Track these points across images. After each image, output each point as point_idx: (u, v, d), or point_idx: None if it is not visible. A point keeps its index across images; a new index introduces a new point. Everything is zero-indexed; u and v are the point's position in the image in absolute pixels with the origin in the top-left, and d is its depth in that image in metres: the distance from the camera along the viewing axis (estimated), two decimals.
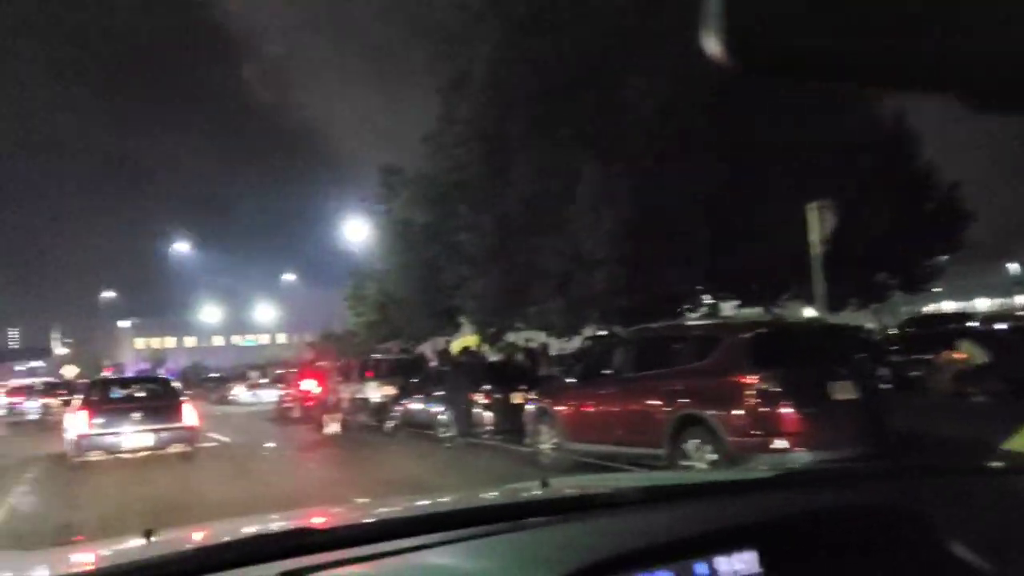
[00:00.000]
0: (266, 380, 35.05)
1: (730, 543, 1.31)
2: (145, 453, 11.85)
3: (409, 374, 17.42)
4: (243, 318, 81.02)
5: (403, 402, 15.88)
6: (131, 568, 1.40)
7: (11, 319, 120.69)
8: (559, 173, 15.86)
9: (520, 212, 16.79)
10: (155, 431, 11.79)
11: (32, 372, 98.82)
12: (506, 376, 13.94)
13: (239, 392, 33.17)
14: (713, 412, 7.68)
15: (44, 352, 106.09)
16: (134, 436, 11.72)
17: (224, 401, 32.74)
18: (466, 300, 19.29)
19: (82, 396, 13.23)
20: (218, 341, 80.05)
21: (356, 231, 26.30)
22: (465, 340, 24.88)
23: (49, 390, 31.93)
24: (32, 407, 29.77)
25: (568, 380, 10.70)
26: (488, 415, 12.96)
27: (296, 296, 74.15)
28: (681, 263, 14.43)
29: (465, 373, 14.10)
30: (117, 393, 13.30)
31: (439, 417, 13.80)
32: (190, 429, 12.24)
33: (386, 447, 14.48)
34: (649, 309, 15.87)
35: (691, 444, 7.89)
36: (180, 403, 12.54)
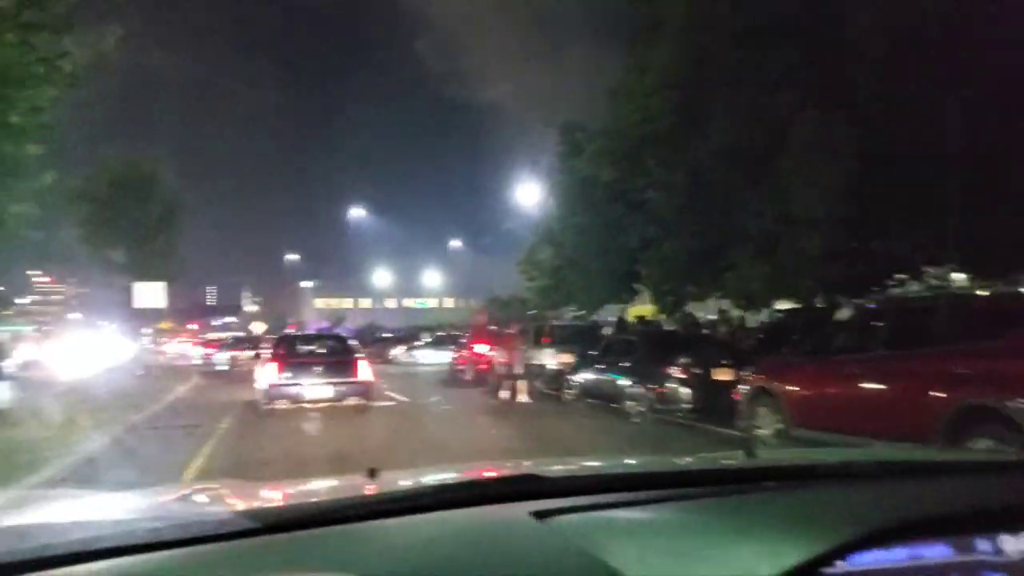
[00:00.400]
0: (430, 342, 35.50)
1: (1013, 522, 1.25)
2: (325, 404, 12.56)
3: (586, 342, 16.38)
4: (413, 282, 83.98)
5: (582, 371, 14.87)
6: (383, 498, 1.57)
7: (210, 277, 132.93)
8: (765, 122, 13.99)
9: (716, 167, 15.08)
10: (334, 384, 12.50)
11: (226, 326, 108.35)
12: (706, 349, 12.48)
13: (415, 353, 33.37)
14: (1018, 403, 5.93)
15: (236, 308, 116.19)
16: (316, 388, 12.48)
17: (392, 360, 33.28)
18: (650, 264, 17.89)
19: (271, 350, 14.19)
20: (390, 303, 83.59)
21: (529, 194, 25.54)
22: (640, 309, 23.52)
23: (235, 344, 34.69)
24: (221, 359, 32.40)
25: (794, 357, 9.16)
26: (685, 391, 11.59)
27: (463, 262, 75.67)
28: (922, 226, 12.20)
29: (657, 344, 12.81)
30: (301, 348, 14.05)
31: (627, 390, 12.62)
32: (365, 384, 12.85)
33: (567, 417, 13.57)
34: (867, 278, 13.78)
35: (979, 441, 6.20)
36: (356, 359, 13.20)
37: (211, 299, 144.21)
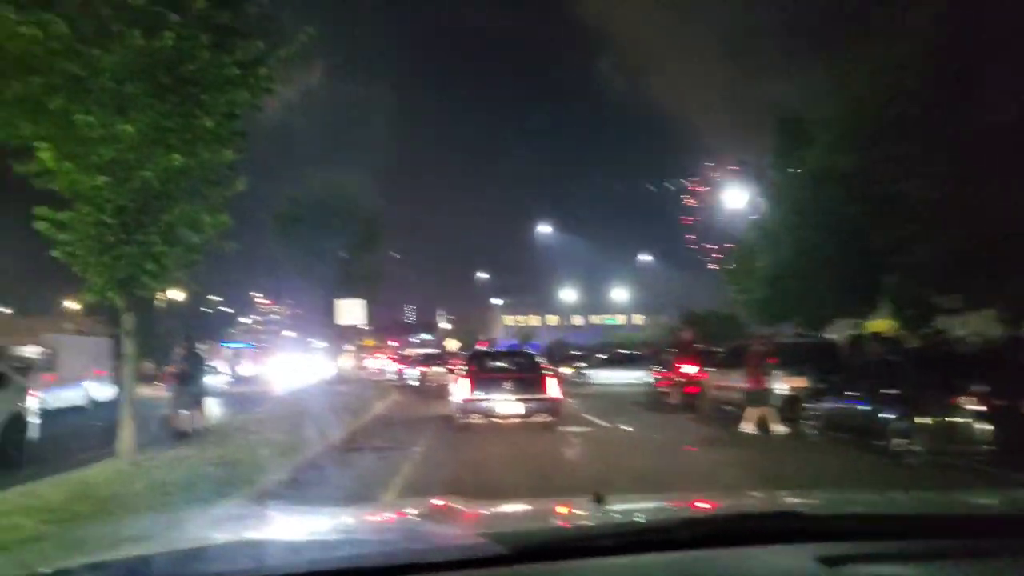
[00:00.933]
0: (604, 360, 33.67)
1: None
2: (515, 420, 12.76)
3: (821, 363, 13.80)
4: (600, 298, 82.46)
5: (825, 399, 12.43)
6: (635, 529, 1.51)
7: (407, 297, 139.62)
8: None
9: (993, 146, 12.13)
10: (524, 400, 12.71)
11: (423, 343, 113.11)
12: (1008, 374, 9.71)
13: (589, 373, 31.53)
14: None
15: (432, 326, 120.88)
16: (507, 404, 12.70)
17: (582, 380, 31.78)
18: (899, 271, 14.99)
19: (464, 367, 14.58)
20: (577, 320, 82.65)
21: (734, 198, 23.11)
22: (876, 324, 20.26)
23: (425, 360, 35.14)
24: (412, 374, 33.01)
25: None
26: (982, 428, 9.00)
27: (653, 277, 73.12)
28: None
29: (937, 366, 10.24)
30: (492, 364, 14.32)
31: (892, 424, 10.13)
32: (554, 400, 13.01)
33: (812, 454, 11.23)
34: None
35: None
36: (544, 376, 13.42)
37: (410, 317, 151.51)
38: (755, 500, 2.07)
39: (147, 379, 26.14)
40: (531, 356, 16.40)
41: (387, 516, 2.03)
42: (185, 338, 14.66)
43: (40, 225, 7.58)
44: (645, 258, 70.84)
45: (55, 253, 7.87)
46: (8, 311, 32.74)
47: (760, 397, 13.52)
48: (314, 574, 1.24)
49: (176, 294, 51.14)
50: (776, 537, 1.38)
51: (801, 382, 13.62)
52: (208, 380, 26.59)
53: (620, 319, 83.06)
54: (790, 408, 13.45)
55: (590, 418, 16.15)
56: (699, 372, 18.16)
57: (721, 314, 39.65)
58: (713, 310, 38.96)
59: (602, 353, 36.55)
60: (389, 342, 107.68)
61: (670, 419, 16.95)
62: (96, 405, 20.40)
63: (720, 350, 20.79)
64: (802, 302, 18.32)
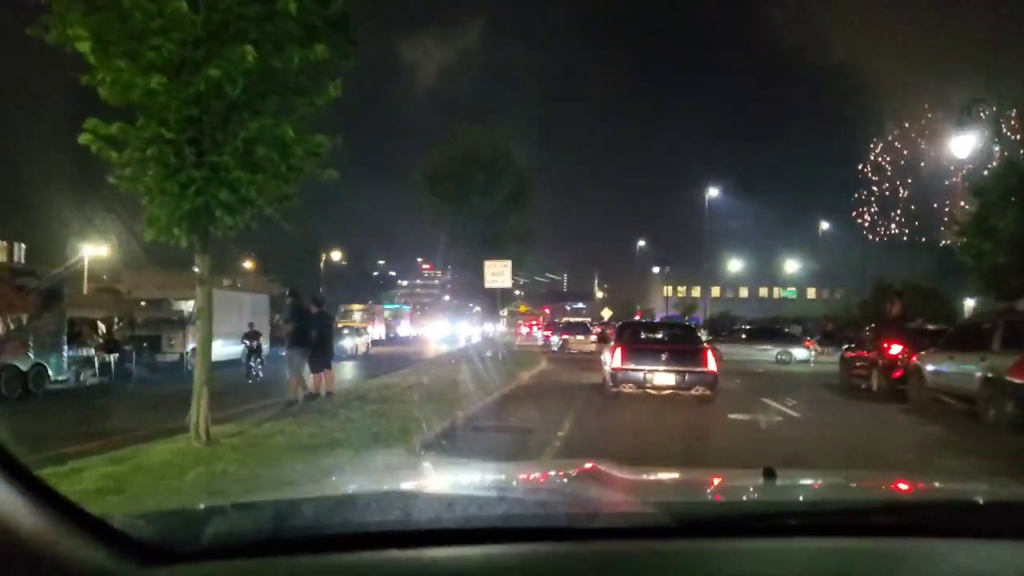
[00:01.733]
0: (745, 337, 30.54)
1: None
2: (669, 391, 12.38)
3: None
4: (770, 270, 76.48)
5: None
6: (828, 507, 1.41)
7: (564, 265, 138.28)
8: None
9: None
10: (679, 372, 12.26)
11: (577, 312, 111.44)
12: None
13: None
14: None
15: (588, 295, 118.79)
16: (661, 375, 12.27)
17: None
18: None
19: (612, 337, 14.78)
20: (743, 292, 77.23)
21: (962, 146, 18.85)
22: None
23: (568, 329, 37.26)
24: (555, 341, 35.44)
25: None
26: None
27: (831, 247, 66.40)
28: None
29: None
30: (646, 335, 13.92)
31: None
32: (711, 374, 12.46)
33: None
34: None
35: None
36: (704, 349, 12.94)
37: (567, 285, 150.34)
38: (960, 488, 1.80)
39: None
40: (689, 328, 16.50)
41: (541, 475, 1.95)
42: (289, 293, 13.24)
43: (86, 139, 5.98)
44: (824, 226, 63.95)
45: (113, 180, 6.31)
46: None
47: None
48: (467, 531, 1.18)
49: (334, 254, 52.69)
50: (994, 532, 1.23)
51: None
52: (345, 341, 26.48)
53: (790, 292, 76.80)
54: None
55: (776, 405, 13.27)
56: (911, 353, 14.62)
57: (922, 287, 34.36)
58: (910, 282, 33.72)
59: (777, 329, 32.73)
60: (545, 310, 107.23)
61: (877, 411, 13.69)
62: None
63: (935, 328, 16.94)
64: None
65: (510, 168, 23.29)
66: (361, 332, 40.52)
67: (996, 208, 15.20)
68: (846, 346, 19.12)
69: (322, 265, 47.94)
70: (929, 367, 13.39)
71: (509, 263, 20.60)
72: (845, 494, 1.66)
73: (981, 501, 1.57)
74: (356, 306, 44.58)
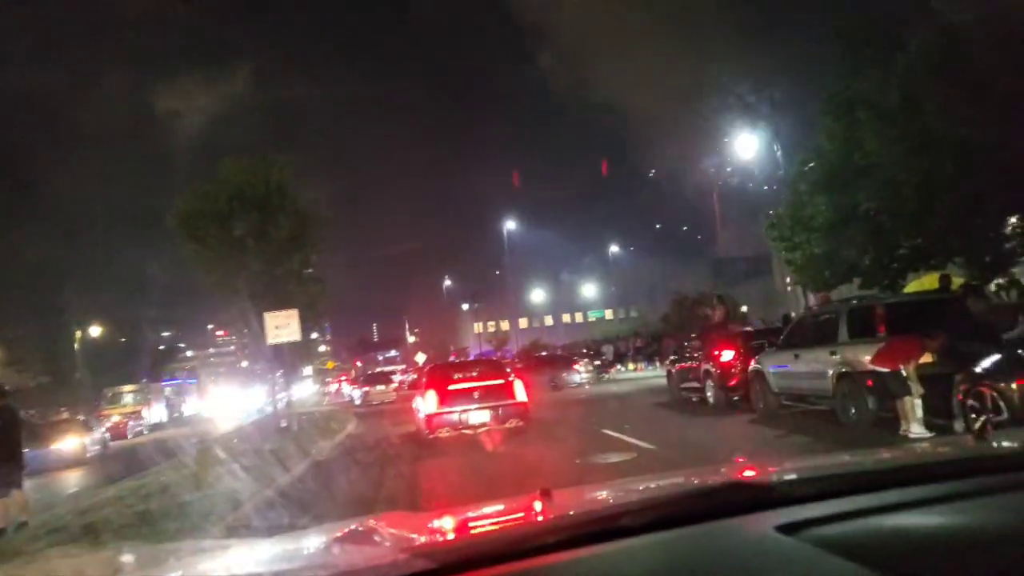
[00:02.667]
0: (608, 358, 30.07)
1: None
2: (484, 429, 12.11)
3: (957, 328, 9.07)
4: (572, 296, 77.88)
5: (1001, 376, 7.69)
6: (577, 522, 1.40)
7: (372, 315, 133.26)
8: None
9: None
10: (493, 408, 12.12)
11: (390, 360, 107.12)
12: None
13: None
14: None
15: (400, 342, 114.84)
16: (475, 413, 12.09)
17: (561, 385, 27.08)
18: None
19: (424, 381, 13.86)
20: (548, 320, 77.84)
21: (745, 146, 18.49)
22: (923, 282, 15.70)
23: (368, 380, 36.18)
24: (355, 395, 34.46)
25: None
26: None
27: (625, 268, 68.66)
28: None
29: None
30: (455, 376, 13.53)
31: None
32: (523, 405, 12.38)
33: None
34: None
35: None
36: (512, 382, 12.83)
37: (379, 334, 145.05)
38: (703, 476, 1.87)
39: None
40: (494, 362, 16.96)
41: (316, 540, 1.86)
42: None
43: None
44: (614, 250, 65.92)
45: None
46: None
47: (899, 383, 8.70)
48: None
49: (92, 329, 45.19)
50: (731, 511, 1.30)
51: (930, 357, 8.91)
52: (54, 446, 19.83)
53: (593, 315, 78.66)
54: (939, 395, 8.62)
55: (626, 438, 11.28)
56: (746, 358, 13.35)
57: (718, 294, 35.18)
58: (707, 292, 34.37)
59: (593, 350, 31.77)
60: (356, 363, 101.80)
61: (726, 427, 12.11)
62: None
63: (763, 327, 16.02)
64: (875, 250, 13.55)
65: (287, 205, 19.92)
66: (133, 417, 34.49)
67: (808, 199, 14.54)
68: (671, 358, 17.84)
69: (76, 345, 40.67)
70: (771, 369, 12.04)
71: (295, 313, 17.23)
72: (605, 504, 1.64)
73: (703, 488, 1.68)
74: (127, 387, 38.06)
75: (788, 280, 72.02)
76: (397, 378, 37.43)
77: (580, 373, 27.81)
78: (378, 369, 56.49)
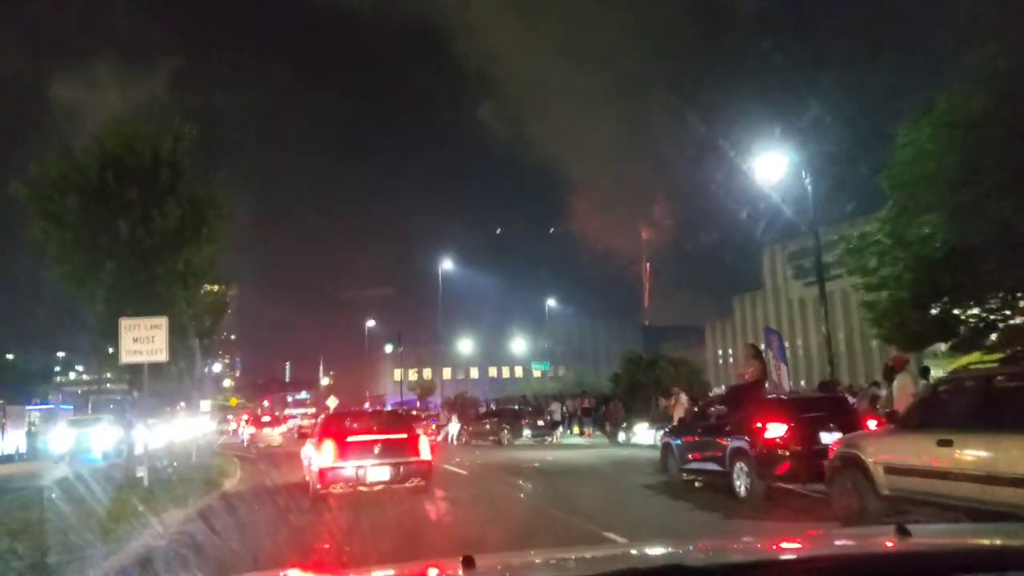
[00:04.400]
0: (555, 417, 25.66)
1: None
2: (381, 487, 10.94)
3: None
4: (498, 349, 73.20)
5: None
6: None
7: (285, 353, 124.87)
8: None
9: None
10: (394, 464, 11.03)
11: (299, 403, 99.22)
12: None
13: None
14: None
15: (312, 384, 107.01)
16: (374, 469, 10.92)
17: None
18: None
19: (320, 430, 12.37)
20: (473, 373, 72.80)
21: (772, 169, 14.75)
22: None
23: (257, 422, 36.90)
24: (244, 435, 34.72)
25: None
26: None
27: (556, 325, 64.62)
28: None
29: None
30: (355, 426, 12.40)
31: None
32: (426, 464, 11.35)
33: None
34: None
35: None
36: (417, 436, 11.86)
37: (289, 374, 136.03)
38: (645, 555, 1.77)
39: None
40: (399, 414, 16.67)
41: None
42: None
43: None
44: (551, 304, 61.94)
45: None
46: None
47: None
48: None
49: None
50: None
51: None
52: None
53: (518, 371, 74.05)
54: None
55: (612, 537, 6.78)
56: (798, 433, 9.08)
57: (673, 359, 31.03)
58: (664, 356, 30.35)
59: (536, 408, 27.11)
60: (264, 401, 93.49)
61: (795, 531, 7.66)
62: None
63: (815, 395, 11.81)
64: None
65: (180, 187, 14.80)
66: None
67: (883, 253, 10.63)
68: (670, 427, 13.42)
69: None
70: (891, 459, 7.64)
71: (162, 322, 12.05)
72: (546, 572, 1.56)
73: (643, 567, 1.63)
74: None
75: (719, 354, 69.90)
76: (292, 423, 38.95)
77: (532, 430, 23.57)
78: (287, 411, 51.57)
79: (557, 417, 27.01)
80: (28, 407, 33.79)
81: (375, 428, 12.17)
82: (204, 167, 15.87)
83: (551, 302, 61.02)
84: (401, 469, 10.94)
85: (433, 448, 12.81)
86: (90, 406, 63.18)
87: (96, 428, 24.90)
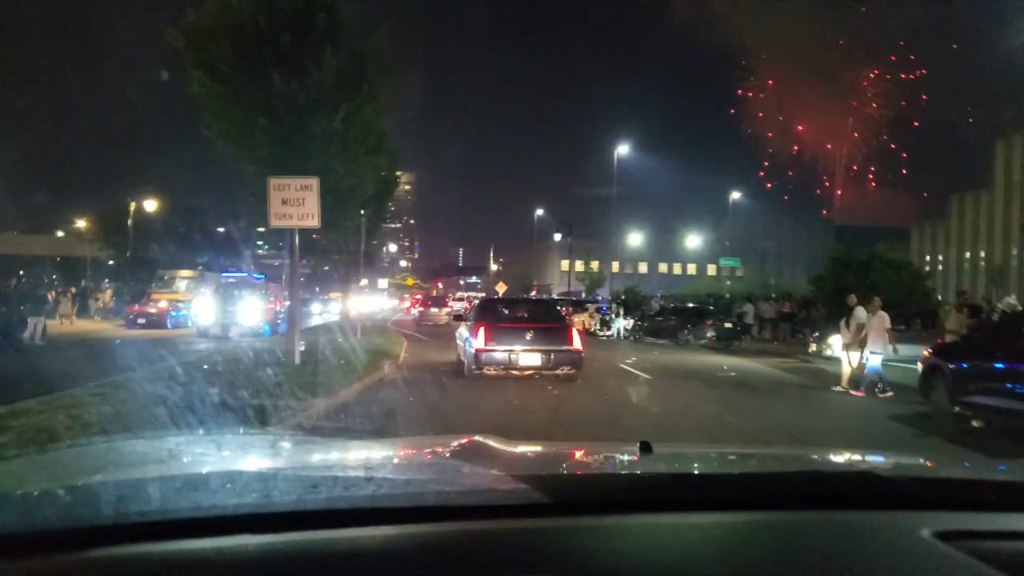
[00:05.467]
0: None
1: None
2: (533, 372, 11.27)
3: None
4: (671, 245, 69.24)
5: None
6: (704, 481, 1.32)
7: (460, 240, 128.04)
8: None
9: None
10: (545, 352, 11.21)
11: (471, 287, 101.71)
12: None
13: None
14: None
15: (482, 270, 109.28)
16: (526, 355, 11.19)
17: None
18: None
19: (475, 315, 12.66)
20: (642, 268, 69.70)
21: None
22: None
23: (424, 302, 38.47)
24: (415, 313, 37.17)
25: None
26: None
27: (737, 220, 59.27)
28: None
29: None
30: (508, 313, 12.81)
31: None
32: (577, 352, 11.45)
33: None
34: None
35: None
36: (569, 327, 12.23)
37: (462, 259, 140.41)
38: (833, 460, 1.66)
39: None
40: (550, 303, 17.33)
41: (414, 452, 1.73)
42: None
43: None
44: (736, 196, 56.39)
45: None
46: None
47: None
48: (332, 512, 1.05)
49: (148, 204, 40.39)
50: (862, 503, 1.17)
51: None
52: None
53: (691, 268, 69.95)
54: None
55: None
56: None
57: (892, 260, 26.30)
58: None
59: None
60: (438, 284, 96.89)
61: None
62: None
63: None
64: None
65: (340, 36, 12.88)
66: (176, 307, 29.57)
67: None
68: (939, 344, 10.02)
69: (130, 222, 35.66)
70: None
71: (314, 183, 10.40)
72: (720, 468, 1.52)
73: (847, 472, 1.50)
74: (183, 272, 33.28)
75: (927, 260, 61.21)
76: (458, 305, 38.60)
77: (718, 332, 20.92)
78: (458, 294, 54.15)
79: (749, 320, 23.84)
80: (223, 274, 35.53)
81: (527, 316, 12.47)
82: (367, 19, 13.89)
83: (735, 195, 55.52)
84: (552, 356, 11.15)
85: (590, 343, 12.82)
86: (283, 278, 68.09)
87: (245, 298, 25.04)
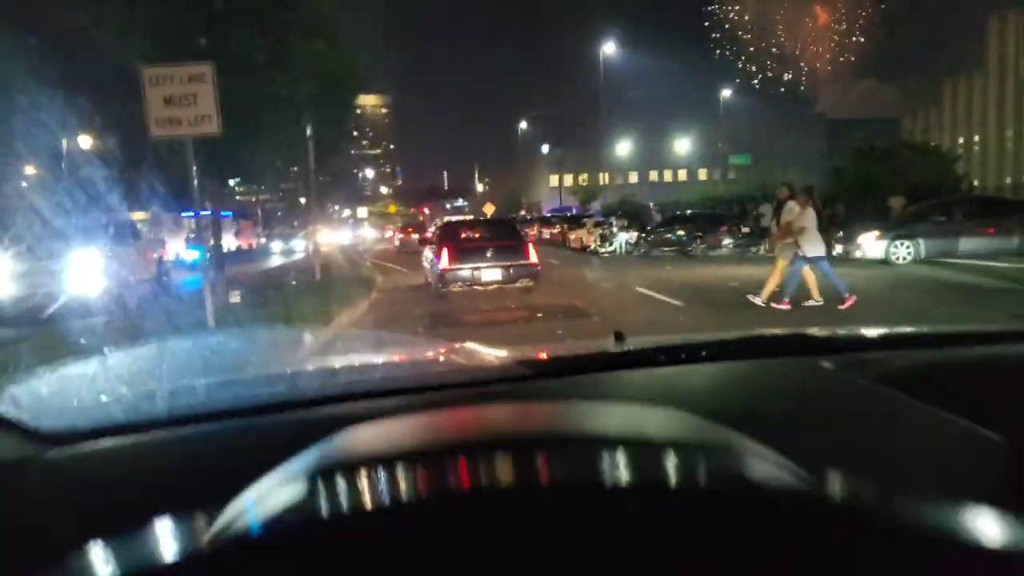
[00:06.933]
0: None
1: None
2: (495, 286, 11.75)
3: None
4: (659, 151, 65.47)
5: None
6: (657, 349, 1.40)
7: (444, 163, 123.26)
8: None
9: None
10: (504, 267, 11.75)
11: (458, 210, 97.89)
12: None
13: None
14: None
15: (469, 192, 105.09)
16: (487, 271, 11.69)
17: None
18: None
19: (438, 238, 13.21)
20: (632, 178, 66.13)
21: None
22: None
23: (402, 229, 37.22)
24: (394, 241, 36.68)
25: None
26: None
27: (733, 117, 55.53)
28: None
29: None
30: (467, 235, 13.17)
31: None
32: (534, 265, 11.96)
33: None
34: None
35: None
36: (526, 243, 12.62)
37: (447, 183, 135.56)
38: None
39: None
40: (507, 222, 17.60)
41: (414, 348, 2.01)
42: None
43: None
44: (725, 94, 52.42)
45: None
46: None
47: None
48: (350, 395, 1.18)
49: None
50: (794, 353, 1.38)
51: None
52: None
53: (681, 175, 66.45)
54: None
55: None
56: None
57: (920, 146, 23.29)
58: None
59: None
60: (423, 210, 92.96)
61: None
62: None
63: None
64: None
65: None
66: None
67: None
68: None
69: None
70: None
71: (207, 71, 7.11)
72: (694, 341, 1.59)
73: (770, 334, 1.63)
74: (138, 215, 29.64)
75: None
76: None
77: (734, 239, 18.27)
78: (446, 218, 51.34)
79: (766, 223, 21.10)
80: (182, 215, 31.96)
81: (487, 235, 12.89)
82: None
83: (725, 93, 51.57)
84: (511, 271, 11.67)
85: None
86: (259, 213, 64.22)
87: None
